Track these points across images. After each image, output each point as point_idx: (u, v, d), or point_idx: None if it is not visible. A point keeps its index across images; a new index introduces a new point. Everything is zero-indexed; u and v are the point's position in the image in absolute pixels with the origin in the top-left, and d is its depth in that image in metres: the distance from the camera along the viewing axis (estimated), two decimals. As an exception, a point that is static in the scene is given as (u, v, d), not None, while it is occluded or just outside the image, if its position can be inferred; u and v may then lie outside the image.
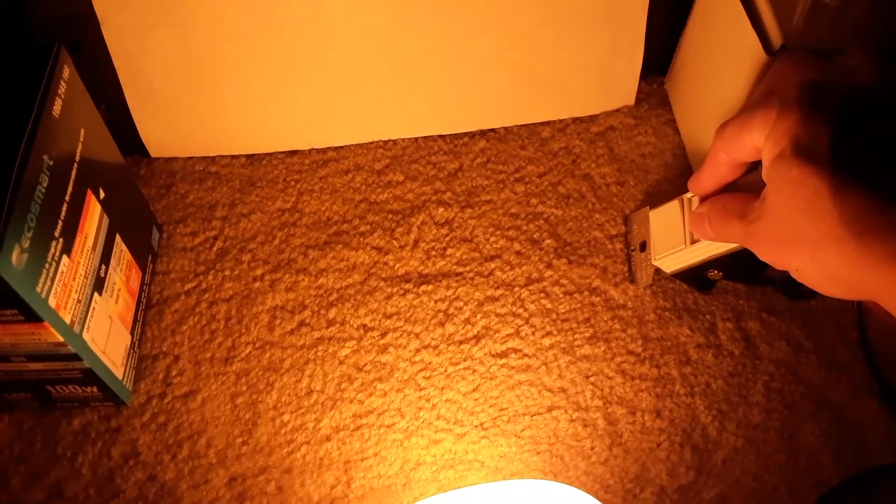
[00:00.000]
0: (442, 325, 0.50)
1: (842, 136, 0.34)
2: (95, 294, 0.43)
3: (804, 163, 0.34)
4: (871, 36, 0.44)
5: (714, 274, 0.49)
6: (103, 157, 0.45)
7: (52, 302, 0.38)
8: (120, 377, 0.46)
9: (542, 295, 0.51)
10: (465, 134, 0.58)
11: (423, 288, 0.51)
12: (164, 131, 0.55)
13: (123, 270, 0.47)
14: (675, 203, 0.49)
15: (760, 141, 0.38)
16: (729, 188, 0.44)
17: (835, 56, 0.39)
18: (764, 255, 0.39)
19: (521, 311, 0.51)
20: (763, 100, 0.39)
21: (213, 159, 0.57)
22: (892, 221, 0.32)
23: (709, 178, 0.44)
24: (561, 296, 0.51)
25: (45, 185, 0.37)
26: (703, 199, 0.45)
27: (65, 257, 0.39)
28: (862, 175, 0.33)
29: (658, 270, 0.50)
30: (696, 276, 0.49)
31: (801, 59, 0.39)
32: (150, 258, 0.51)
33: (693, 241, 0.46)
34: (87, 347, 0.42)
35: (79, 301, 0.41)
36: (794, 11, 0.45)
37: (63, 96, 0.39)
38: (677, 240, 0.47)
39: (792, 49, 0.43)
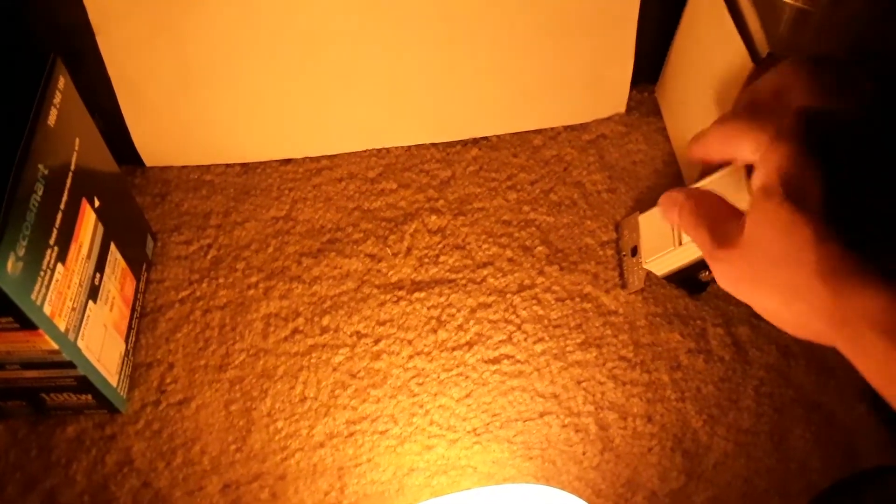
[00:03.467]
0: (435, 331, 0.50)
1: (836, 187, 0.33)
2: (90, 302, 0.43)
3: (794, 210, 0.33)
4: (855, 43, 0.45)
5: (706, 275, 0.49)
6: (98, 166, 0.45)
7: (46, 310, 0.38)
8: (114, 385, 0.46)
9: (534, 301, 0.51)
10: (458, 142, 0.58)
11: (416, 295, 0.52)
12: (159, 140, 0.56)
13: (118, 278, 0.47)
14: (664, 208, 0.49)
15: (748, 157, 0.37)
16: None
17: (845, 70, 0.38)
18: (727, 285, 0.37)
19: (513, 317, 0.51)
20: (758, 115, 0.37)
21: (207, 168, 0.57)
22: (870, 279, 0.31)
23: (701, 155, 0.42)
24: (553, 302, 0.51)
25: (40, 193, 0.37)
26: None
27: (59, 265, 0.39)
28: (850, 229, 0.32)
29: (650, 275, 0.50)
30: (687, 278, 0.50)
31: (810, 75, 0.37)
32: (144, 266, 0.52)
33: (682, 243, 0.47)
34: (81, 355, 0.42)
35: (73, 309, 0.41)
36: (780, 19, 0.46)
37: (58, 106, 0.40)
38: (667, 241, 0.48)
39: (794, 57, 0.40)
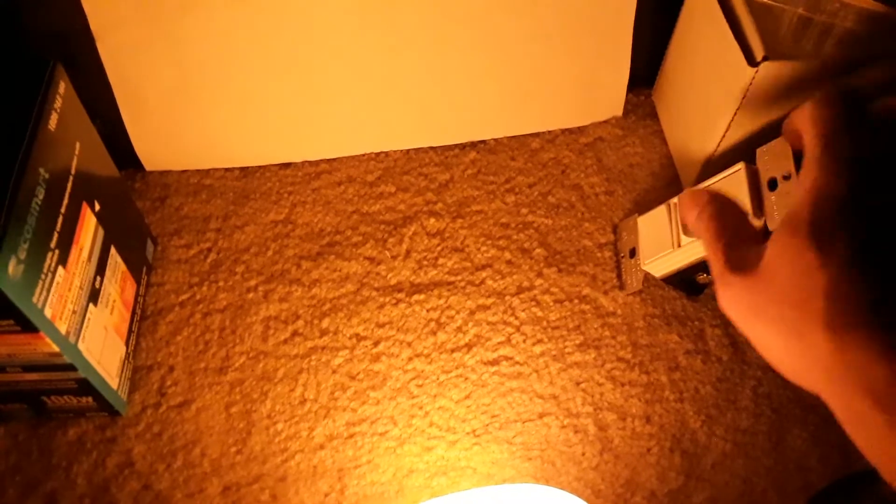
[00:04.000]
0: (434, 333, 0.51)
1: (871, 238, 0.30)
2: (91, 305, 0.43)
3: (817, 251, 0.30)
4: (854, 50, 0.45)
5: (703, 277, 0.49)
6: (98, 171, 0.45)
7: (47, 312, 0.38)
8: (115, 387, 0.46)
9: (533, 303, 0.52)
10: (456, 145, 0.59)
11: (415, 297, 0.52)
12: (159, 145, 0.56)
13: (118, 282, 0.47)
14: (662, 208, 0.50)
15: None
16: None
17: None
18: (729, 311, 0.35)
19: (512, 319, 0.51)
20: (842, 116, 0.33)
21: (206, 172, 0.57)
22: (878, 345, 0.28)
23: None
24: (551, 304, 0.52)
25: (41, 197, 0.38)
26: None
27: (60, 268, 0.40)
28: (874, 287, 0.29)
29: (648, 276, 0.51)
30: (685, 280, 0.50)
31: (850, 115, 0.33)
32: (144, 270, 0.52)
33: (680, 245, 0.47)
34: (82, 358, 0.42)
35: (74, 312, 0.41)
36: (781, 26, 0.46)
37: (59, 110, 0.40)
38: (665, 243, 0.48)
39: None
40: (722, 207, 0.38)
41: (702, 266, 0.48)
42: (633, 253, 0.52)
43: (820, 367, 0.30)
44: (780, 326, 0.32)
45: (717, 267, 0.36)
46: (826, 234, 0.31)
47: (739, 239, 0.36)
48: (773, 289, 0.32)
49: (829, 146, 0.33)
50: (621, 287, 0.52)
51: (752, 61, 0.45)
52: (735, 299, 0.34)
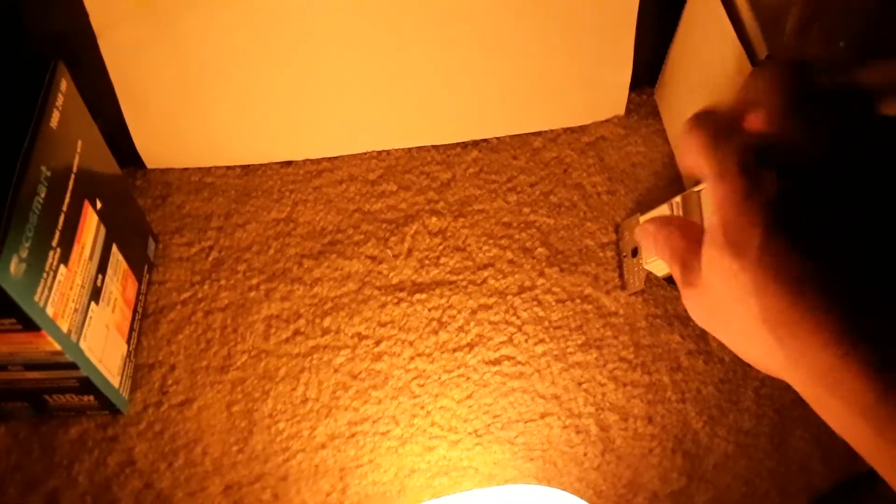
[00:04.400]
0: (436, 333, 0.51)
1: (774, 230, 0.31)
2: (92, 303, 0.43)
3: (732, 258, 0.32)
4: (858, 47, 0.45)
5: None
6: (100, 169, 0.45)
7: (49, 311, 0.38)
8: (116, 386, 0.46)
9: (535, 303, 0.52)
10: (458, 144, 0.59)
11: (417, 296, 0.52)
12: (160, 143, 0.56)
13: (120, 280, 0.47)
14: (664, 207, 0.50)
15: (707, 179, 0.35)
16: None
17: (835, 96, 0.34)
18: (696, 320, 0.37)
19: (513, 318, 0.51)
20: (718, 134, 0.35)
21: (208, 170, 0.57)
22: (816, 332, 0.29)
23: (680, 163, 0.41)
24: (553, 303, 0.52)
25: (42, 195, 0.38)
26: None
27: (62, 267, 0.39)
28: (794, 280, 0.30)
29: (650, 276, 0.51)
30: None
31: (786, 93, 0.34)
32: (146, 268, 0.52)
33: None
34: (83, 356, 0.42)
35: (76, 310, 0.41)
36: (784, 25, 0.46)
37: (60, 109, 0.40)
38: None
39: (778, 63, 0.37)
40: (669, 232, 0.39)
41: None
42: (635, 252, 0.52)
43: (774, 360, 0.32)
44: (732, 328, 0.34)
45: (678, 283, 0.38)
46: (737, 238, 0.32)
47: (692, 255, 0.37)
48: (713, 297, 0.34)
49: (709, 158, 0.34)
50: (623, 287, 0.52)
51: (755, 61, 0.45)
52: (694, 310, 0.37)
